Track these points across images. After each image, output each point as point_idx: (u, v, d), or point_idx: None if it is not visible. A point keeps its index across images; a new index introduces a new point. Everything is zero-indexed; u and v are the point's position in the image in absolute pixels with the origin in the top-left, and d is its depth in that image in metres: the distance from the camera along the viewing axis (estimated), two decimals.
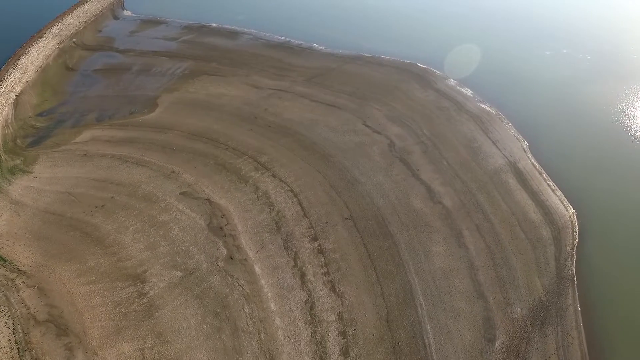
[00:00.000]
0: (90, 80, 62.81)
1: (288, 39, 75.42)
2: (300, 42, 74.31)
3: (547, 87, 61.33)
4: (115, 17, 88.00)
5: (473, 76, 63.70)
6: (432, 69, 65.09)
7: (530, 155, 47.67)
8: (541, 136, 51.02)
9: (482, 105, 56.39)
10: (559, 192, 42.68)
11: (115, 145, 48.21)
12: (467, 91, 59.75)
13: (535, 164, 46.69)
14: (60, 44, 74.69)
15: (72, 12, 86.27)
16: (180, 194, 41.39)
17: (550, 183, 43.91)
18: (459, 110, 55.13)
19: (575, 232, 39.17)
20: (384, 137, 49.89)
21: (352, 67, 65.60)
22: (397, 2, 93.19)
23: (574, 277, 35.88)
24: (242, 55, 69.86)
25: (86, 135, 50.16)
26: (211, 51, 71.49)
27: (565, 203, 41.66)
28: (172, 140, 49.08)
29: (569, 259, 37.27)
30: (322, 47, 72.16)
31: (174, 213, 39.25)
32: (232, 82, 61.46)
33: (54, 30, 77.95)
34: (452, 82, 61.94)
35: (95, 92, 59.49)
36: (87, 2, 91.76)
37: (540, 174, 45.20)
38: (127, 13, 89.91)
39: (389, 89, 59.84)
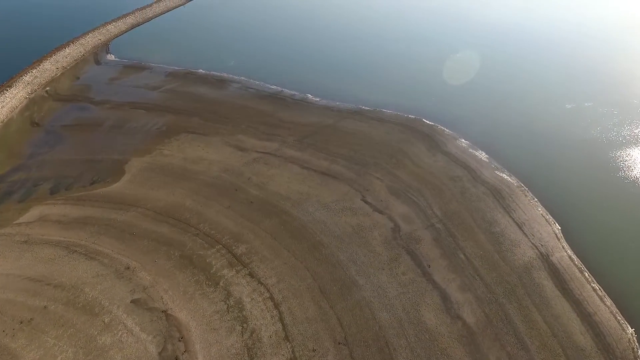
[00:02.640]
0: (55, 138, 55.64)
1: (280, 89, 68.76)
2: (293, 92, 67.58)
3: (572, 148, 53.57)
4: (97, 62, 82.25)
5: (487, 134, 56.22)
6: (440, 126, 57.75)
7: (565, 244, 39.26)
8: (575, 215, 42.76)
9: (501, 174, 48.52)
10: (608, 301, 34.00)
11: (65, 228, 40.22)
12: (482, 155, 52.08)
13: (573, 256, 38.20)
14: (31, 93, 68.25)
15: (51, 56, 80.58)
16: (131, 302, 32.96)
17: (596, 286, 35.28)
18: (474, 181, 47.22)
19: None
20: (387, 217, 41.76)
21: (350, 124, 58.37)
22: (399, 48, 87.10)
23: None
24: (228, 108, 62.94)
25: (34, 213, 42.28)
26: (195, 103, 64.69)
27: (619, 318, 32.88)
28: (134, 222, 41.10)
29: None
30: (318, 99, 65.29)
31: (119, 333, 30.67)
32: (214, 143, 54.10)
33: (27, 77, 71.73)
34: (463, 143, 54.39)
35: (57, 154, 52.13)
36: (69, 45, 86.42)
37: (582, 271, 36.63)
38: (110, 57, 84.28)
39: (391, 152, 52.27)
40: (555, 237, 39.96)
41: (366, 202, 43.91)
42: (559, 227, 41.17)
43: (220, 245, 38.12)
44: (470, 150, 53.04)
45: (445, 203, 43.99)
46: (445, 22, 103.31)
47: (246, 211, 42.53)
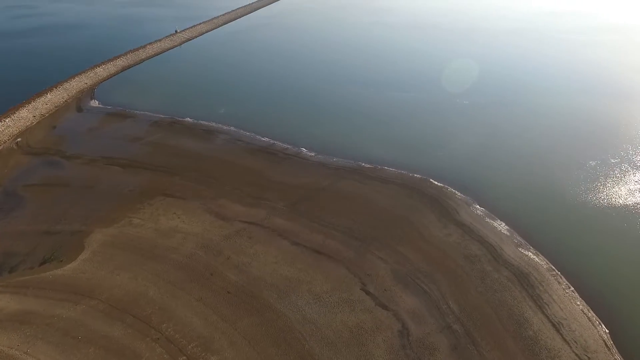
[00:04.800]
0: (13, 202, 48.97)
1: (272, 141, 62.69)
2: (286, 145, 61.44)
3: (610, 217, 46.33)
4: (79, 109, 77.17)
5: (504, 199, 49.30)
6: (450, 188, 50.96)
7: (618, 356, 31.32)
8: (627, 313, 34.96)
9: (526, 252, 41.15)
10: None
11: None
12: (501, 226, 44.91)
13: None
14: (0, 145, 62.34)
15: (30, 103, 75.46)
16: None
17: None
18: (495, 262, 39.81)
19: None
20: (393, 315, 34.10)
21: (348, 185, 51.68)
22: (402, 97, 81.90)
23: None
24: (213, 165, 56.58)
25: None
26: (177, 158, 58.45)
27: None
28: (82, 320, 33.50)
29: None
30: (312, 154, 59.01)
31: None
32: (193, 209, 47.23)
33: None
34: (478, 210, 47.38)
35: (10, 223, 45.23)
36: (52, 90, 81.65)
37: None
38: (94, 104, 79.33)
39: (396, 222, 45.21)
40: (604, 345, 32.04)
41: (367, 292, 36.36)
42: (607, 330, 33.29)
43: (185, 358, 30.33)
44: (487, 219, 45.92)
45: (462, 294, 36.40)
46: (453, 68, 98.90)
47: (221, 305, 34.96)
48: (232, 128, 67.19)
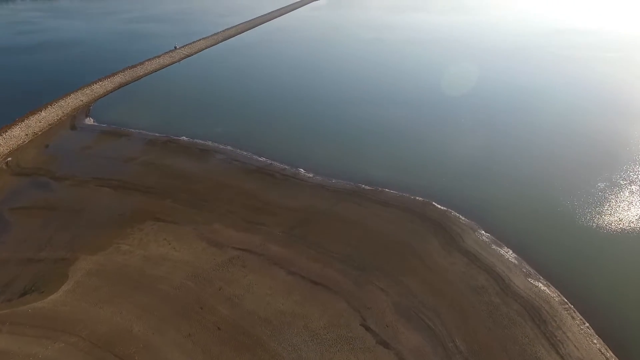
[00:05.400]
0: None
1: (270, 161, 60.80)
2: (284, 165, 59.54)
3: (617, 246, 44.01)
4: (73, 127, 75.72)
5: (511, 224, 47.03)
6: (454, 212, 48.76)
7: None
8: None
9: (536, 283, 38.74)
10: None
11: None
12: (509, 254, 42.57)
13: None
14: None
15: (23, 121, 74.17)
16: None
17: None
18: (503, 294, 37.40)
19: None
20: (395, 355, 31.58)
21: (348, 209, 49.54)
22: (403, 115, 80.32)
23: None
24: (207, 187, 54.60)
25: None
26: (170, 179, 56.56)
27: None
28: (59, 359, 31.10)
29: None
30: (311, 175, 57.04)
31: None
32: (184, 235, 45.06)
33: None
34: (484, 236, 45.10)
35: None
36: (46, 108, 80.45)
37: None
38: (89, 122, 77.96)
39: (398, 249, 42.94)
40: None
41: (367, 328, 33.90)
42: None
43: None
44: (494, 246, 43.61)
45: (469, 330, 33.92)
46: (455, 85, 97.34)
47: (211, 343, 32.52)
48: (228, 147, 65.45)
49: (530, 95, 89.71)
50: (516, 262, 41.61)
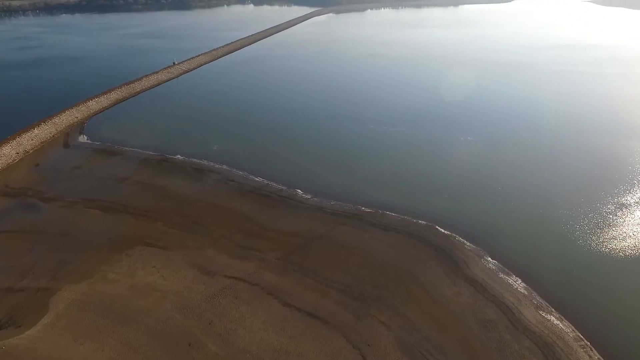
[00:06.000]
0: None
1: (266, 182, 58.80)
2: (281, 186, 57.52)
3: (633, 275, 41.61)
4: (66, 145, 73.97)
5: (519, 250, 44.72)
6: (458, 237, 46.51)
7: None
8: None
9: (548, 317, 36.28)
10: None
11: None
12: (518, 283, 40.18)
13: None
14: None
15: (15, 138, 72.37)
16: None
17: None
18: (513, 329, 34.92)
19: None
20: None
21: (347, 233, 47.28)
22: (404, 134, 78.57)
23: None
24: (201, 209, 52.45)
25: None
26: (163, 201, 54.46)
27: None
28: None
29: None
30: (309, 196, 54.97)
31: None
32: (175, 261, 42.74)
33: None
34: (491, 264, 42.78)
35: None
36: (39, 125, 78.81)
37: None
38: (82, 139, 76.27)
39: (400, 277, 40.57)
40: None
41: None
42: None
43: None
44: (501, 275, 41.22)
45: None
46: (455, 103, 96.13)
47: None
48: (224, 167, 63.54)
49: (535, 113, 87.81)
50: (526, 292, 39.15)
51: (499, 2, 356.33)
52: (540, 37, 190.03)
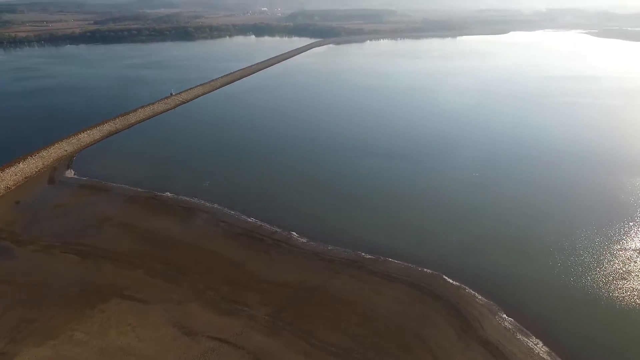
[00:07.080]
0: None
1: (259, 223, 54.79)
2: (275, 228, 53.48)
3: None
4: (51, 181, 70.48)
5: (536, 305, 40.29)
6: (469, 289, 42.12)
7: None
8: None
9: None
10: None
11: None
12: (538, 346, 35.53)
13: None
14: None
15: None
16: None
17: None
18: None
19: None
20: None
21: (345, 285, 42.86)
22: (408, 173, 74.13)
23: None
24: (187, 255, 48.20)
25: None
26: (146, 245, 50.32)
27: None
28: None
29: None
30: (304, 240, 50.83)
31: None
32: (153, 319, 38.18)
33: None
34: (506, 322, 38.20)
35: None
36: (26, 158, 75.58)
37: None
38: (69, 174, 72.90)
39: (406, 340, 35.95)
40: None
41: None
42: None
43: None
44: (519, 336, 36.57)
45: None
46: (458, 137, 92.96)
47: None
48: (215, 205, 59.69)
49: (544, 150, 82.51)
50: (548, 358, 34.42)
51: (496, 34, 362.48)
52: (539, 67, 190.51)
